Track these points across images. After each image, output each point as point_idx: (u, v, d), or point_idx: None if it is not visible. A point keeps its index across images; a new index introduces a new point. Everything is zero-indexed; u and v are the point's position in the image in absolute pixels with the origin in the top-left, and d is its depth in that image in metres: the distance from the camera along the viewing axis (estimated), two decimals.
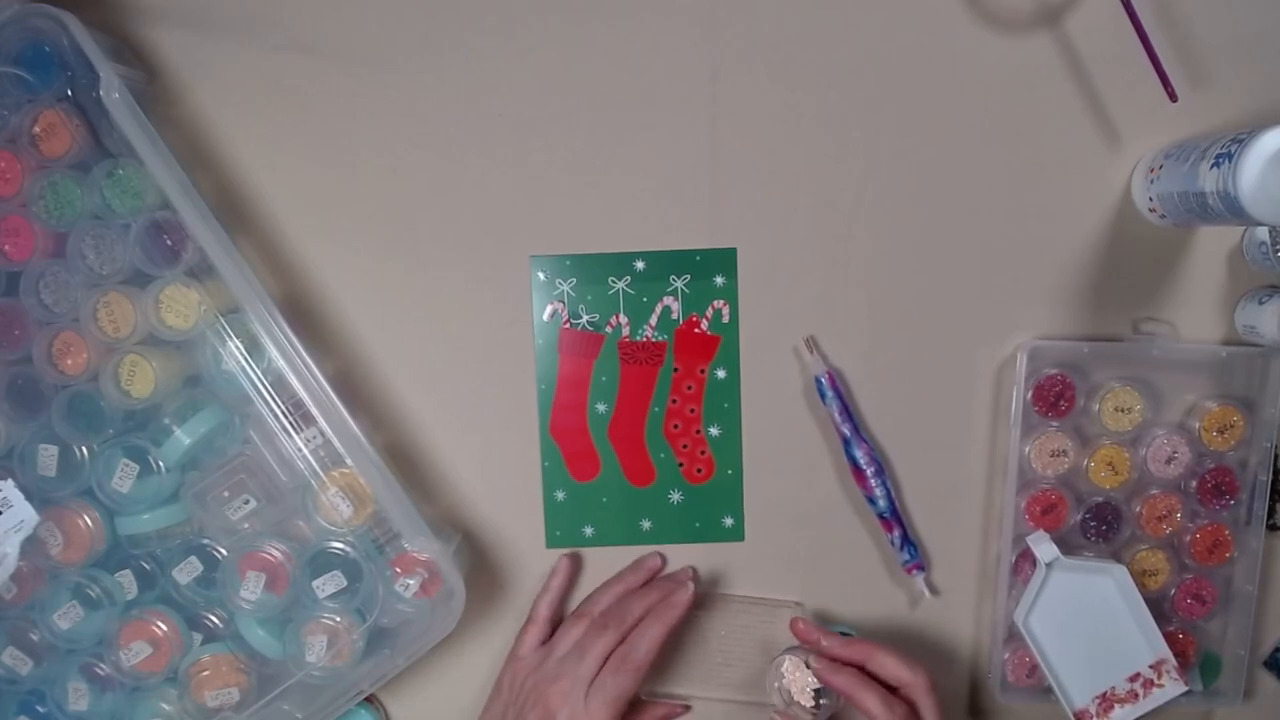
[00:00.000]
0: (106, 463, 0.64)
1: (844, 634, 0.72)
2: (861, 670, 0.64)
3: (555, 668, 0.66)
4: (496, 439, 0.73)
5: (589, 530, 0.74)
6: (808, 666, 0.66)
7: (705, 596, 0.74)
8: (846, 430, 0.71)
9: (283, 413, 0.62)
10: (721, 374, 0.73)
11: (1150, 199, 0.68)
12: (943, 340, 0.72)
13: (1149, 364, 0.71)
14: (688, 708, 0.74)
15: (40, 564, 0.65)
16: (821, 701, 0.66)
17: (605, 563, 0.74)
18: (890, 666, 0.64)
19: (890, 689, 0.63)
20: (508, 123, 0.70)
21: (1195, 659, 0.73)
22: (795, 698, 0.66)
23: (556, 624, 0.72)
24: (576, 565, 0.74)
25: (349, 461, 0.62)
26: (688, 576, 0.72)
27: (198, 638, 0.66)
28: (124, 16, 0.68)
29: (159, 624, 0.65)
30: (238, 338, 0.62)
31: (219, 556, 0.65)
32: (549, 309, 0.72)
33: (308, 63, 0.69)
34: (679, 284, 0.72)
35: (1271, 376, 0.70)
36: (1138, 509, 0.72)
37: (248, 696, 0.66)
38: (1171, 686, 0.69)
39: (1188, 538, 0.72)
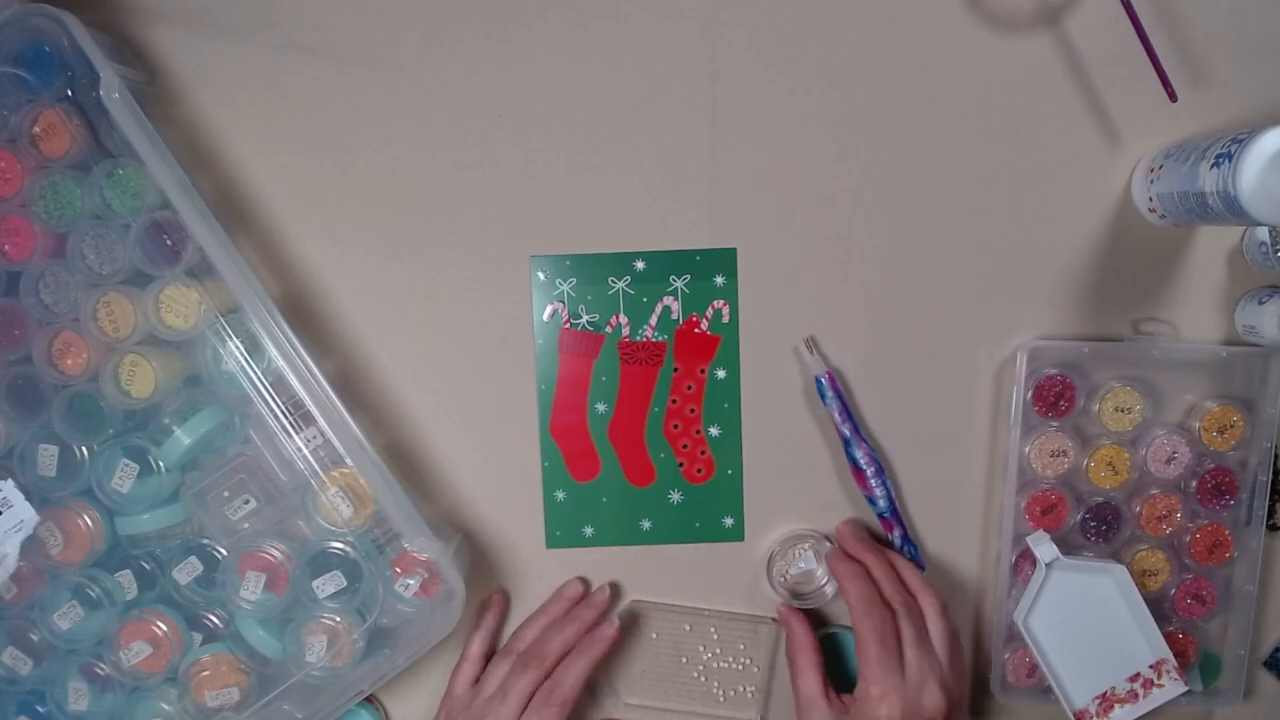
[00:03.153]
0: (106, 463, 0.64)
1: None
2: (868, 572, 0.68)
3: (481, 708, 0.67)
4: (496, 439, 0.73)
5: (589, 530, 0.74)
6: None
7: (682, 610, 0.74)
8: (846, 430, 0.71)
9: (283, 413, 0.62)
10: (721, 374, 0.73)
11: (1150, 199, 0.68)
12: (943, 340, 0.72)
13: (1149, 364, 0.71)
14: None
15: (40, 564, 0.65)
16: (826, 589, 0.72)
17: (606, 562, 0.74)
18: (905, 569, 0.68)
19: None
20: (508, 123, 0.70)
21: (1195, 659, 0.73)
22: (793, 582, 0.72)
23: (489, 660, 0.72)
24: (507, 601, 0.74)
25: (349, 461, 0.62)
26: (604, 598, 0.72)
27: (198, 638, 0.66)
28: (124, 16, 0.68)
29: (159, 624, 0.65)
30: (238, 338, 0.62)
31: (219, 556, 0.65)
32: (549, 309, 0.72)
33: (308, 63, 0.69)
34: (679, 284, 0.72)
35: (1271, 376, 0.70)
36: (1138, 509, 0.72)
37: (248, 696, 0.66)
38: (1171, 686, 0.69)
39: (1188, 538, 0.72)
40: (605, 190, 0.71)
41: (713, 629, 0.74)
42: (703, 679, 0.74)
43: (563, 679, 0.65)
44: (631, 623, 0.74)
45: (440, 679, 0.73)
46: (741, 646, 0.74)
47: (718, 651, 0.74)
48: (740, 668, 0.74)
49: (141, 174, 0.61)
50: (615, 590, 0.74)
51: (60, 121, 0.62)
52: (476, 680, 0.70)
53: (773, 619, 0.74)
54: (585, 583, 0.74)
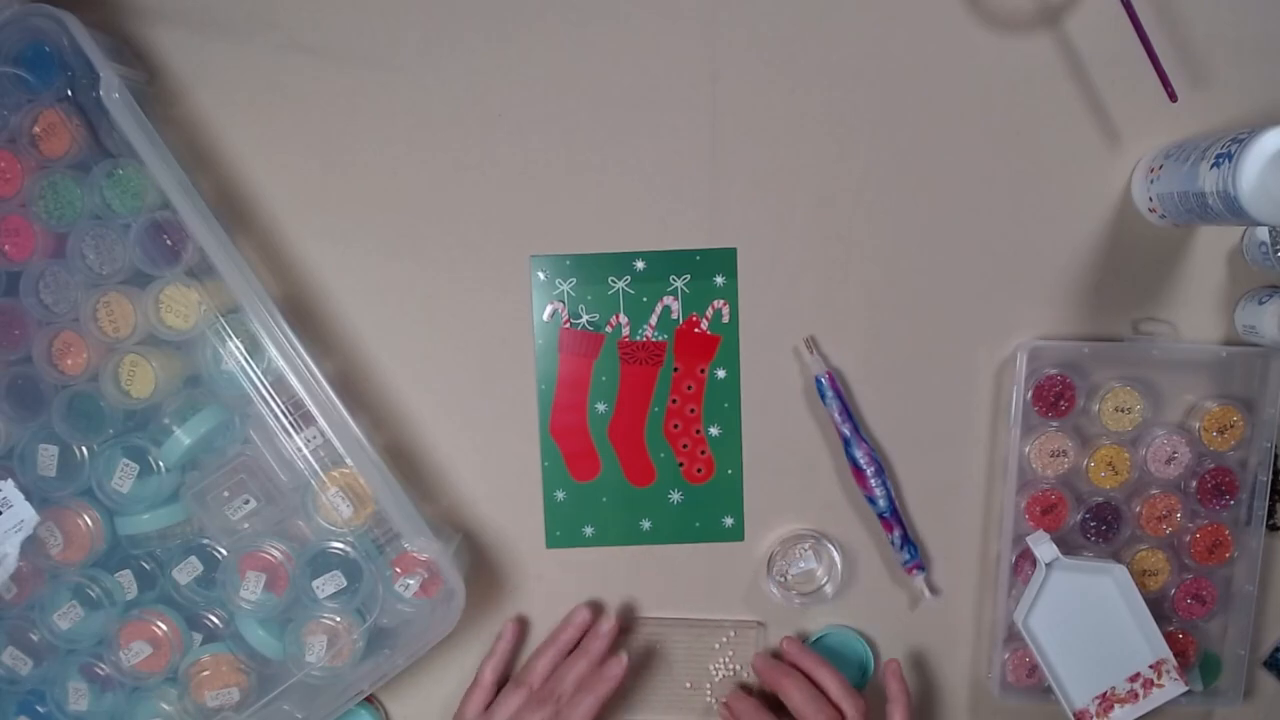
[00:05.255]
0: (106, 463, 0.64)
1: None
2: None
3: None
4: (496, 439, 0.73)
5: (589, 530, 0.74)
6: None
7: (668, 622, 0.74)
8: (846, 430, 0.71)
9: (283, 413, 0.62)
10: (721, 374, 0.73)
11: (1150, 199, 0.68)
12: (943, 340, 0.72)
13: (1149, 364, 0.71)
14: None
15: (40, 564, 0.65)
16: (826, 589, 0.73)
17: (605, 562, 0.74)
18: (831, 684, 0.67)
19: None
20: (508, 123, 0.70)
21: (1195, 659, 0.73)
22: (793, 582, 0.73)
23: (501, 687, 0.71)
24: (523, 629, 0.74)
25: (349, 461, 0.62)
26: (610, 628, 0.70)
27: (198, 638, 0.66)
28: (124, 16, 0.68)
29: (159, 624, 0.65)
30: (238, 338, 0.62)
31: (219, 556, 0.65)
32: (549, 309, 0.72)
33: (308, 63, 0.69)
34: (679, 284, 0.72)
35: (1271, 376, 0.70)
36: (1138, 509, 0.72)
37: (248, 696, 0.66)
38: (1171, 686, 0.69)
39: (1188, 538, 0.72)
40: (605, 190, 0.71)
41: (698, 637, 0.74)
42: (690, 687, 0.74)
43: (571, 718, 0.65)
44: (619, 639, 0.73)
45: (441, 679, 0.74)
46: (731, 653, 0.74)
47: (704, 659, 0.74)
48: (731, 673, 0.74)
49: (141, 174, 0.61)
50: (627, 610, 0.74)
51: (60, 121, 0.62)
52: (487, 707, 0.69)
53: (758, 622, 0.74)
54: (593, 608, 0.73)
